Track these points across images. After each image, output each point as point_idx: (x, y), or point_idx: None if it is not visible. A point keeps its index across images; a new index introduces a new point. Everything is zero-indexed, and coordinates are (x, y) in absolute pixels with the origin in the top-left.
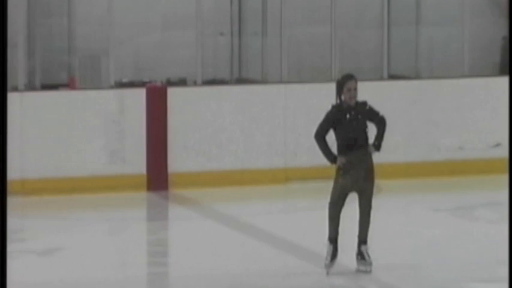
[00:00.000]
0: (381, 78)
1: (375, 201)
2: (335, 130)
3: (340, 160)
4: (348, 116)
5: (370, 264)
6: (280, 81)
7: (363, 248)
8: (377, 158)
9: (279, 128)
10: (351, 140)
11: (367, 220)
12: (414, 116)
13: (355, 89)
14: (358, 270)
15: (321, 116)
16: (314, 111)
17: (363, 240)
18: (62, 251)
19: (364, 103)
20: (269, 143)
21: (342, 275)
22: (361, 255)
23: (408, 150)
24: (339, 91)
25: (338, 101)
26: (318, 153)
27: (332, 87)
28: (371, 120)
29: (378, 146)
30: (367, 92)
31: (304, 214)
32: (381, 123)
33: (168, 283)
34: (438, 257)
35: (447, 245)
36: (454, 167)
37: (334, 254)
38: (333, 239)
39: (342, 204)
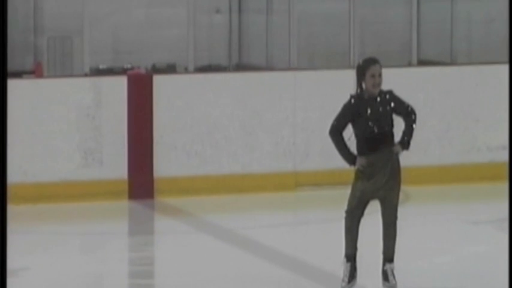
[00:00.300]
0: (409, 64)
1: (402, 211)
2: (354, 125)
3: (360, 161)
4: (369, 108)
5: (394, 286)
6: (289, 68)
7: (387, 266)
8: (405, 159)
9: (287, 124)
10: (373, 137)
11: (392, 233)
12: (449, 109)
13: (380, 76)
14: None
15: (337, 110)
16: (329, 103)
17: (387, 257)
18: (28, 272)
19: (390, 92)
20: (275, 142)
21: None
22: (384, 276)
23: (442, 151)
24: (360, 78)
25: (358, 90)
26: (334, 153)
27: (350, 75)
28: (397, 113)
29: (405, 144)
30: (393, 81)
31: (317, 227)
32: (409, 116)
33: None
34: (479, 280)
35: (490, 265)
36: (497, 170)
37: (352, 275)
38: (351, 256)
39: (361, 214)
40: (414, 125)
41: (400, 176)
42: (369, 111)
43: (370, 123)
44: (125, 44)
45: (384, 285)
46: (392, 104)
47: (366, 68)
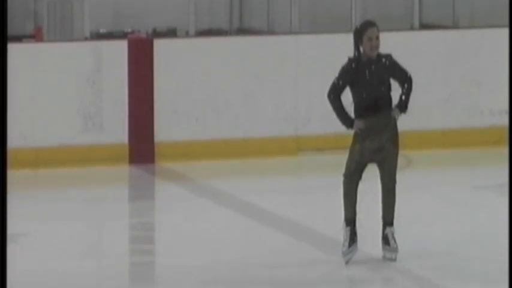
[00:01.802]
0: (411, 28)
1: (404, 177)
2: (352, 88)
3: (358, 124)
4: (367, 71)
5: (396, 250)
6: (290, 32)
7: (387, 230)
8: (407, 124)
9: (289, 88)
10: (371, 100)
11: (391, 197)
12: (451, 73)
13: (377, 38)
14: (383, 258)
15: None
16: (331, 68)
17: (387, 221)
18: (28, 237)
19: (388, 56)
20: (277, 107)
21: (363, 265)
22: (385, 240)
23: (444, 115)
24: (358, 41)
25: (356, 54)
26: (335, 118)
27: (352, 39)
28: (395, 77)
29: (403, 107)
30: (395, 45)
31: (319, 192)
32: (406, 81)
33: (154, 275)
34: (479, 245)
35: (490, 230)
36: (499, 134)
37: (352, 239)
38: (350, 221)
39: (360, 178)
40: (411, 90)
41: (398, 139)
42: (367, 74)
43: (368, 86)
44: (125, 8)
45: (385, 249)
46: (390, 68)
47: (363, 31)
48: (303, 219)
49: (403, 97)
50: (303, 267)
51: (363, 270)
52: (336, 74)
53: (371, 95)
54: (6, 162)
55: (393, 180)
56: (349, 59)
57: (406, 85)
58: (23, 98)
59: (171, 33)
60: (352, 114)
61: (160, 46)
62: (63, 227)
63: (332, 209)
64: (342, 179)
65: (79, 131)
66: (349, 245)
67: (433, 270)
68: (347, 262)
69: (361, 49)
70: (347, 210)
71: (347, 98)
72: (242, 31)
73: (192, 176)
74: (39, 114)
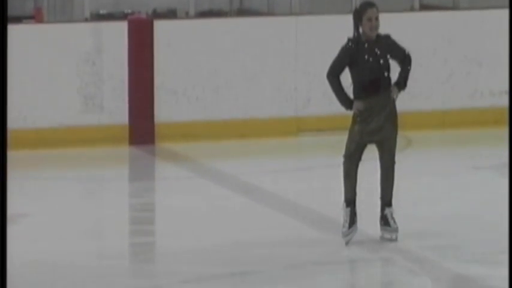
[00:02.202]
0: (412, 9)
1: (403, 157)
2: (351, 68)
3: (357, 105)
4: (367, 51)
5: (396, 230)
6: (290, 13)
7: (386, 211)
8: (406, 104)
9: (289, 69)
10: (370, 81)
11: (390, 177)
12: (452, 54)
13: (377, 19)
14: (382, 238)
15: None
16: (331, 49)
17: (386, 201)
18: (28, 218)
19: (387, 36)
20: (277, 88)
21: (363, 245)
22: (384, 220)
23: (444, 96)
24: (357, 22)
25: (355, 34)
26: (335, 100)
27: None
28: (394, 57)
29: (401, 85)
30: (395, 26)
31: (319, 173)
32: (405, 60)
33: (154, 256)
34: (479, 225)
35: (490, 210)
36: (499, 115)
37: (352, 220)
38: (350, 201)
39: (359, 158)
40: (409, 70)
41: (397, 120)
42: (366, 55)
43: (367, 66)
44: None
45: (384, 230)
46: (389, 48)
47: (362, 12)
48: (303, 200)
49: (402, 75)
50: (303, 248)
51: (363, 251)
52: (336, 55)
53: (370, 75)
54: (7, 144)
55: (392, 160)
56: (349, 39)
57: (404, 63)
58: (23, 79)
59: (171, 14)
60: (351, 95)
61: (160, 27)
62: (64, 207)
63: (332, 190)
64: (342, 159)
65: (79, 112)
66: (349, 226)
67: (433, 251)
68: (347, 243)
69: (361, 30)
70: (347, 191)
71: (346, 79)
72: (242, 12)
73: (192, 157)
74: (39, 95)
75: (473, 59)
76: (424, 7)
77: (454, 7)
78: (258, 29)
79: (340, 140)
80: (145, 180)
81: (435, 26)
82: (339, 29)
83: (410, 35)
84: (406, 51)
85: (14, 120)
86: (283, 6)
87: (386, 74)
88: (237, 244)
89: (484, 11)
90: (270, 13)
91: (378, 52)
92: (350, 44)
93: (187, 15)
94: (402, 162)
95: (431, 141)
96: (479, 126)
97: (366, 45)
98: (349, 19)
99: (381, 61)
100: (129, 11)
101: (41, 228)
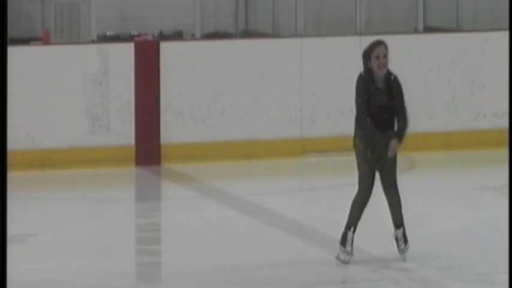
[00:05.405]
0: (416, 31)
1: (408, 178)
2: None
3: (366, 151)
4: (376, 90)
5: (402, 252)
6: (295, 35)
7: (395, 233)
8: (410, 125)
9: (294, 90)
10: (377, 119)
11: (396, 199)
12: (455, 75)
13: (385, 56)
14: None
15: (343, 76)
16: (335, 70)
17: (396, 223)
18: (34, 238)
19: (396, 79)
20: (282, 109)
21: (367, 265)
22: (395, 242)
23: (448, 117)
24: (366, 61)
25: (365, 73)
26: (340, 120)
27: (356, 41)
28: (394, 103)
29: (401, 139)
30: (399, 48)
31: (324, 194)
32: (403, 120)
33: (161, 276)
34: (483, 245)
35: (494, 231)
36: (503, 136)
37: (350, 243)
38: (351, 226)
39: (370, 194)
40: (406, 127)
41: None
42: (375, 94)
43: (375, 105)
44: (132, 11)
45: (398, 250)
46: (394, 92)
47: (371, 51)
48: (307, 220)
49: (401, 131)
50: (307, 268)
51: (368, 271)
52: (341, 76)
53: (378, 115)
54: (7, 162)
55: (394, 180)
56: (360, 76)
57: (403, 121)
58: (31, 100)
59: (177, 35)
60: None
61: (166, 49)
62: (70, 227)
63: (336, 210)
64: (347, 180)
65: (86, 133)
66: (347, 248)
67: (437, 271)
68: (348, 261)
69: (369, 66)
70: (352, 217)
71: (350, 101)
72: (247, 34)
73: (198, 177)
74: (47, 116)
75: (477, 81)
76: (427, 29)
77: (458, 29)
78: (263, 51)
79: (345, 161)
80: (151, 200)
81: (439, 48)
82: (344, 51)
83: (414, 57)
84: (405, 109)
85: (21, 141)
86: (288, 28)
87: (391, 111)
88: (242, 265)
89: (487, 33)
90: (275, 35)
91: (386, 93)
92: (362, 80)
93: (193, 37)
94: (406, 183)
95: (434, 162)
96: (483, 148)
97: (376, 83)
98: (352, 40)
99: (388, 102)
100: (136, 32)
101: (47, 248)
